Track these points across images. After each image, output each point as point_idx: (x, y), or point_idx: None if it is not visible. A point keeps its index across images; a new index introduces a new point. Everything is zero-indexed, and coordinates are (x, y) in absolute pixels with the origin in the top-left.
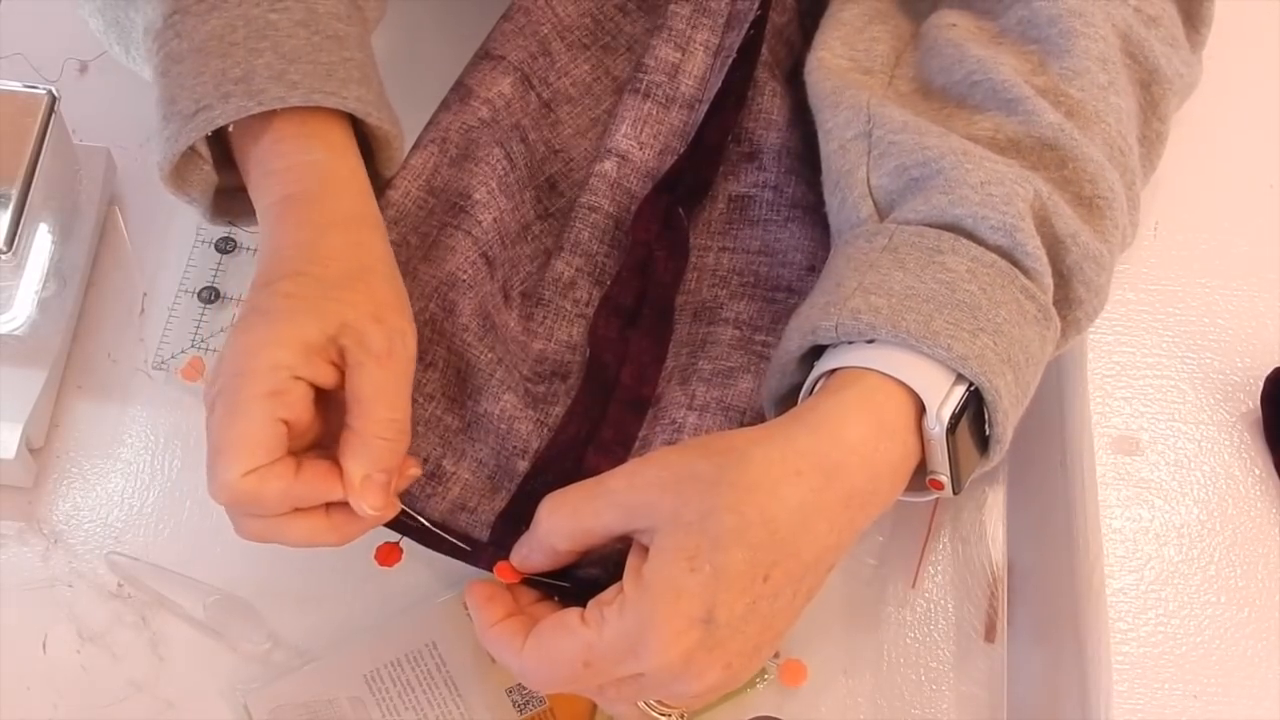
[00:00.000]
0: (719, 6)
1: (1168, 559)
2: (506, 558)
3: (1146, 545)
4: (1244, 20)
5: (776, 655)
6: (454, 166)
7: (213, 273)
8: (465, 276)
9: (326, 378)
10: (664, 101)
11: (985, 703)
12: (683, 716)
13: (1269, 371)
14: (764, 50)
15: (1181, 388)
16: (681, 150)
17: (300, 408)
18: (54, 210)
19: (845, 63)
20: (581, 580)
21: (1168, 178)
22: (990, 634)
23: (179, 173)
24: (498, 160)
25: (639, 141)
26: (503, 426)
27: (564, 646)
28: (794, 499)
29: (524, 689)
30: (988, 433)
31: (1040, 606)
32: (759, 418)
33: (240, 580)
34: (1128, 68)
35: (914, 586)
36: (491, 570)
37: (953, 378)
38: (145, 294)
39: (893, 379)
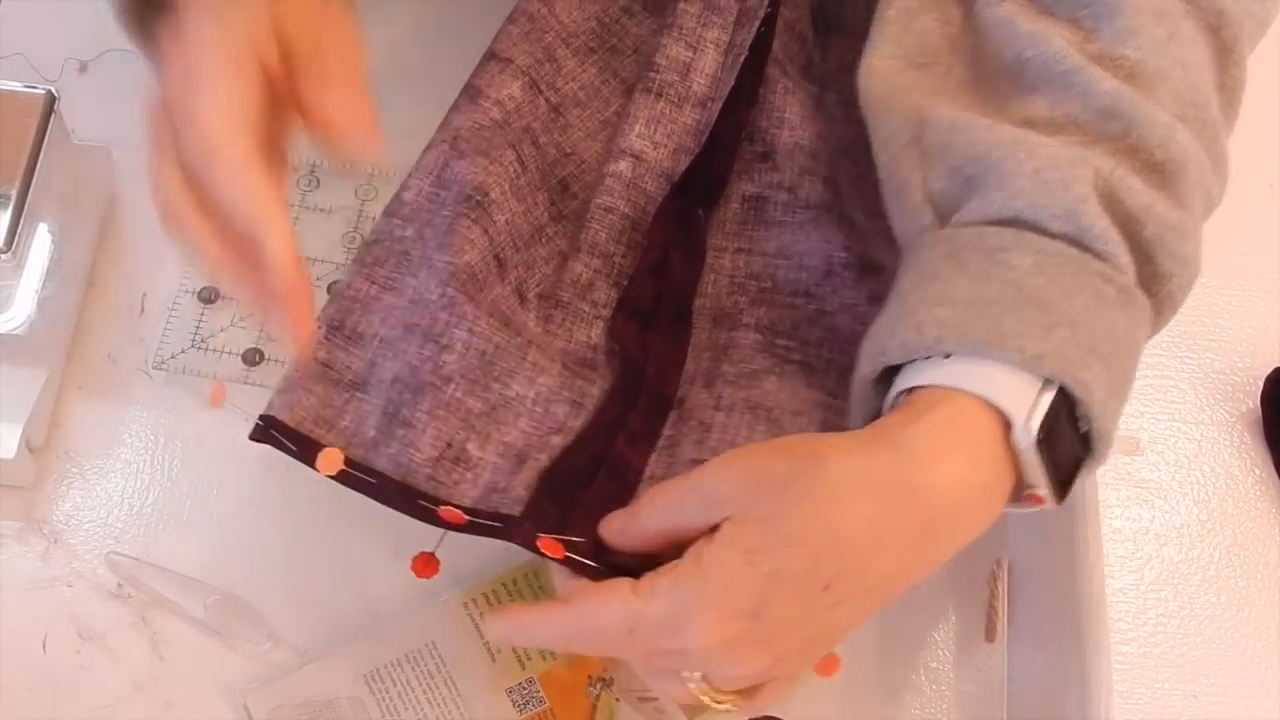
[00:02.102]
0: (728, 4)
1: (1168, 559)
2: (542, 532)
3: (1146, 545)
4: None
5: None
6: (465, 159)
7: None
8: (480, 274)
9: (272, 59)
10: (677, 100)
11: (985, 703)
12: (736, 706)
13: (1269, 371)
14: (775, 46)
15: (1181, 388)
16: (696, 150)
17: (260, 83)
18: (54, 210)
19: (897, 62)
20: (618, 567)
21: None
22: (990, 634)
23: None
24: (510, 162)
25: (653, 141)
26: (538, 409)
27: (612, 610)
28: (866, 515)
29: (524, 689)
30: (1085, 429)
31: (1040, 606)
32: (786, 415)
33: (240, 580)
34: (1189, 15)
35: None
36: (527, 545)
37: (1038, 382)
38: (145, 294)
39: (974, 396)
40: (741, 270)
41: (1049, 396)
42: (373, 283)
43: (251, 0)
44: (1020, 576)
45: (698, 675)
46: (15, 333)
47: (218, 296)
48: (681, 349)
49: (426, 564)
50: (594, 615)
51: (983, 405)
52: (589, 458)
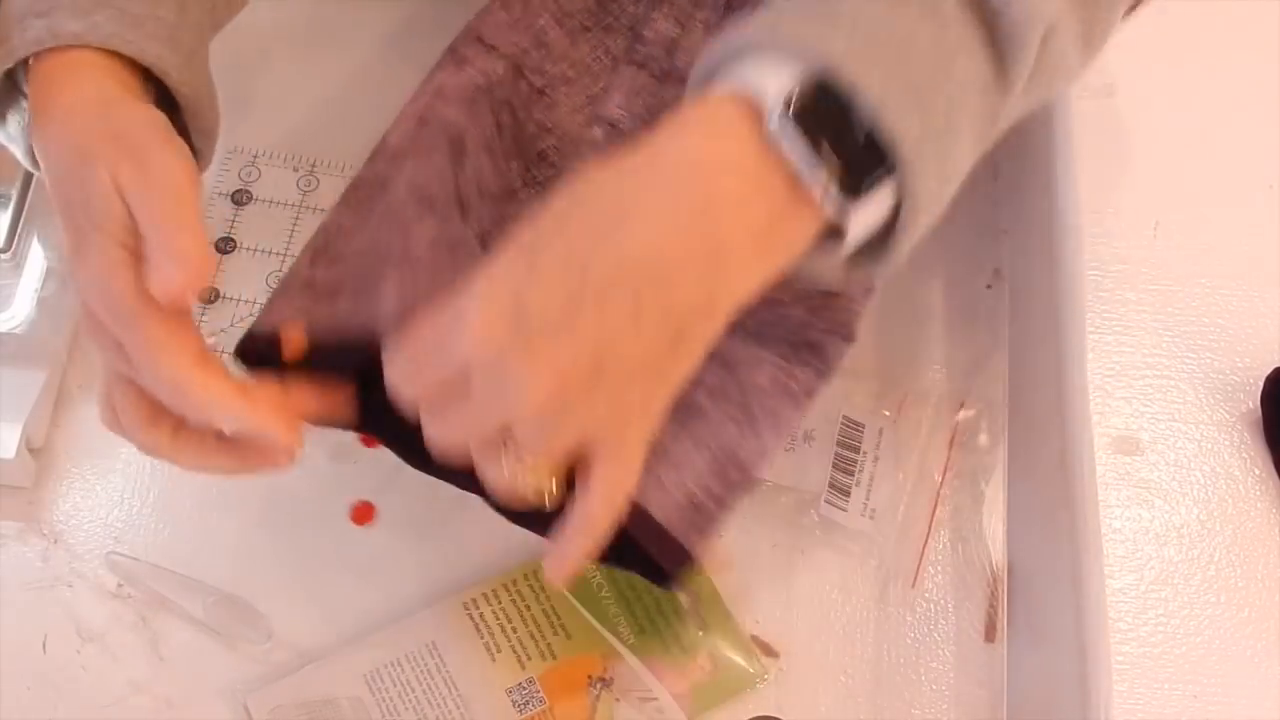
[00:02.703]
0: None
1: (1168, 559)
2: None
3: (1146, 545)
4: (1244, 20)
5: (775, 655)
6: (450, 106)
7: (212, 272)
8: (442, 205)
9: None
10: (659, 75)
11: (985, 703)
12: (553, 483)
13: (1269, 371)
14: None
15: (1181, 388)
16: None
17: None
18: (53, 210)
19: None
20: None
21: (1168, 178)
22: (990, 634)
23: None
24: (487, 125)
25: (631, 112)
26: None
27: (400, 340)
28: (610, 182)
29: (524, 689)
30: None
31: (1040, 606)
32: (742, 367)
33: (240, 580)
34: None
35: (914, 586)
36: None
37: (799, 72)
38: None
39: (729, 92)
40: None
41: (802, 82)
42: (352, 210)
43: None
44: (1020, 576)
45: (513, 454)
46: (15, 332)
47: (218, 296)
48: None
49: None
50: (396, 354)
51: (735, 97)
52: None
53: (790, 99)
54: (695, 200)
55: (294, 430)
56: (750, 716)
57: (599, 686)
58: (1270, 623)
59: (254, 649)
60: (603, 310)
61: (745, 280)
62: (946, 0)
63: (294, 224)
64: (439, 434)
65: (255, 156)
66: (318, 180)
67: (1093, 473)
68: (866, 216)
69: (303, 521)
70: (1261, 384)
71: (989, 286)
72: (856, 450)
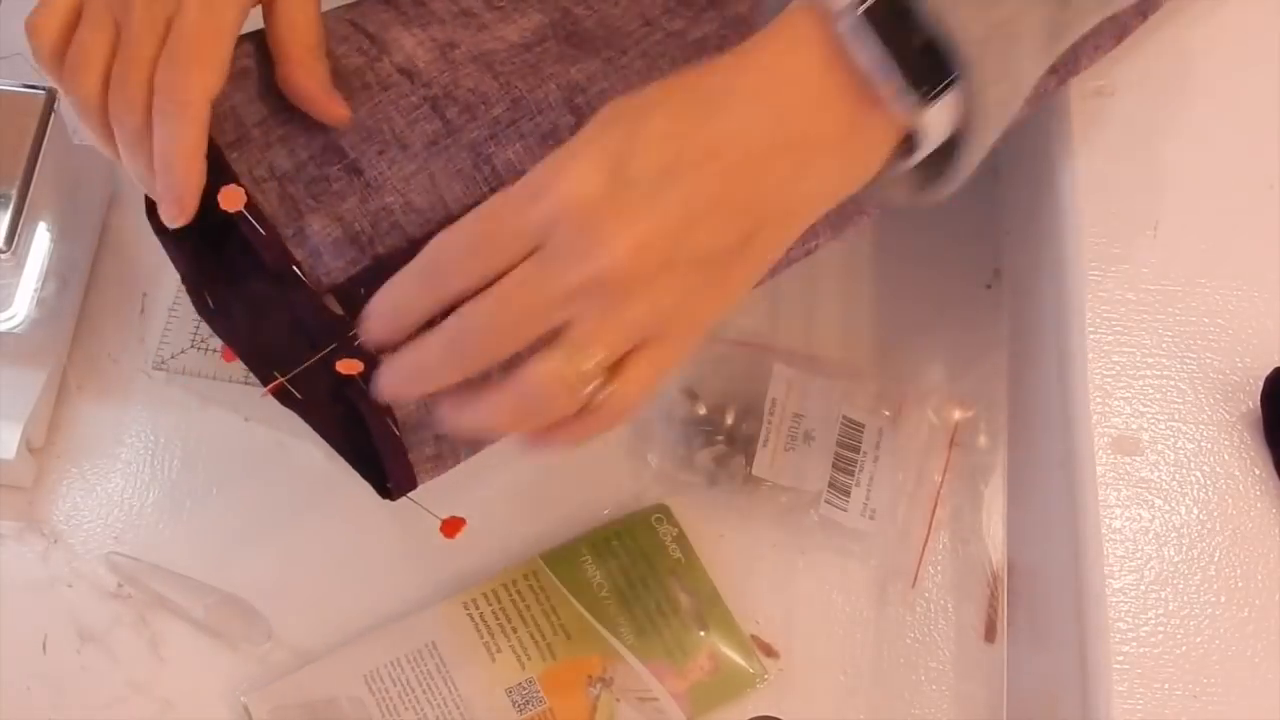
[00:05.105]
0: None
1: (1168, 559)
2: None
3: (1146, 545)
4: (1244, 20)
5: (775, 655)
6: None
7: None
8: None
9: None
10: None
11: (985, 703)
12: (604, 382)
13: (1269, 371)
14: None
15: (1181, 388)
16: None
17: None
18: (54, 210)
19: None
20: None
21: (1168, 178)
22: (990, 634)
23: None
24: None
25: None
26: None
27: (459, 222)
28: (704, 79)
29: (524, 689)
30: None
31: (1040, 606)
32: None
33: (240, 580)
34: None
35: (914, 586)
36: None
37: None
38: (145, 294)
39: (806, 4)
40: None
41: None
42: None
43: None
44: (1020, 576)
45: (568, 345)
46: (15, 332)
47: None
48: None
49: (454, 525)
50: (447, 237)
51: (809, 8)
52: None
53: (854, 6)
54: (780, 102)
55: (189, 199)
56: (750, 716)
57: (599, 686)
58: (1270, 623)
59: (254, 649)
60: (693, 189)
61: (824, 185)
62: None
63: None
64: (499, 310)
65: None
66: None
67: (1093, 473)
68: (938, 122)
69: (303, 522)
70: (1261, 384)
71: (989, 286)
72: (856, 450)
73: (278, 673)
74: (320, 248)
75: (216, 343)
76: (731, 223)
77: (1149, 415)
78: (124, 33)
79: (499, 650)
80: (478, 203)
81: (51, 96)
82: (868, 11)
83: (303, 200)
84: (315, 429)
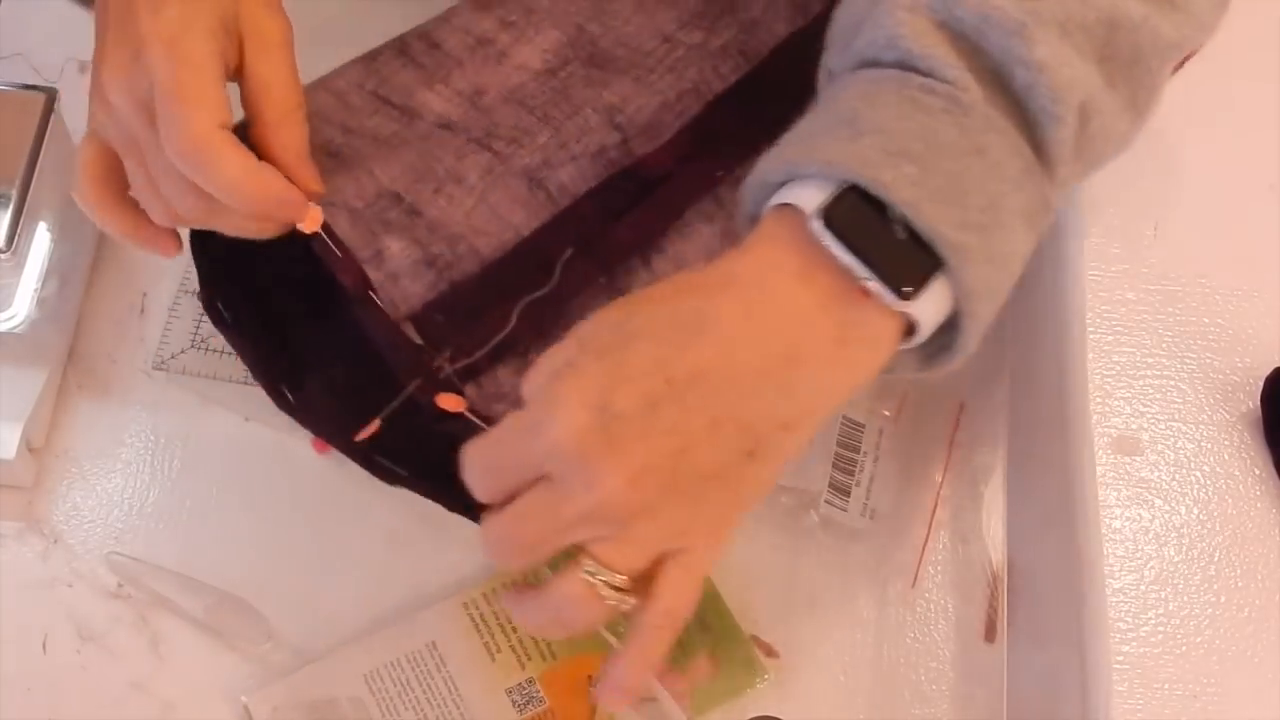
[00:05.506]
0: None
1: (1168, 559)
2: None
3: (1146, 545)
4: (1244, 20)
5: (775, 655)
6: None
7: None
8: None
9: (231, 60)
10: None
11: (985, 703)
12: (630, 598)
13: (1269, 371)
14: None
15: (1181, 388)
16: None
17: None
18: (54, 210)
19: None
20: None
21: (1168, 177)
22: (990, 634)
23: None
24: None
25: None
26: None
27: (473, 444)
28: (686, 297)
29: (524, 689)
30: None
31: (1040, 606)
32: None
33: (240, 580)
34: None
35: (914, 586)
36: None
37: (835, 186)
38: (145, 294)
39: (777, 210)
40: None
41: (835, 194)
42: None
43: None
44: (1020, 576)
45: (589, 564)
46: (15, 331)
47: None
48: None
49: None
50: (471, 452)
51: (783, 211)
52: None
53: (833, 211)
54: (767, 316)
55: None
56: (750, 716)
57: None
58: (1270, 623)
59: (254, 649)
60: (683, 416)
61: (826, 390)
62: (967, 91)
63: None
64: (514, 532)
65: None
66: None
67: (1093, 473)
68: (930, 310)
69: (303, 522)
70: (1261, 384)
71: None
72: (856, 450)
73: (278, 673)
74: (399, 271)
75: (217, 342)
76: (730, 442)
77: (1149, 415)
78: (125, 148)
79: (499, 650)
80: (542, 226)
81: (51, 96)
82: (834, 212)
83: (376, 224)
84: (383, 457)
